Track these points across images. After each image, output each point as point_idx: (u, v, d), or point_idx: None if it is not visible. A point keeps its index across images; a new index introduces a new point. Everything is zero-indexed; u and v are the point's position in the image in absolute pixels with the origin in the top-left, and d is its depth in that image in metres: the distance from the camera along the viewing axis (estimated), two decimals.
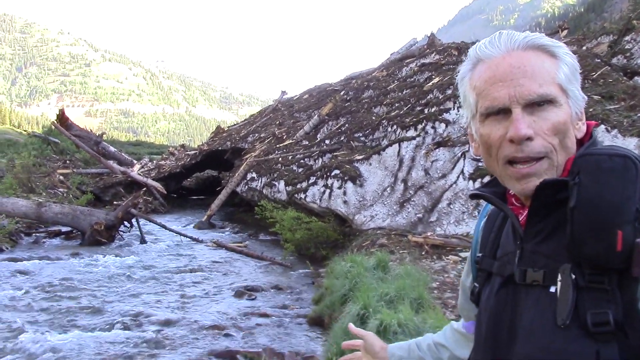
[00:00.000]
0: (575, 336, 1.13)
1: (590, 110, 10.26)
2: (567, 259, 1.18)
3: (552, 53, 1.27)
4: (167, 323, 7.75)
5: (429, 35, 21.59)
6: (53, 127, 25.04)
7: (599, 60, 14.39)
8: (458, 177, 11.00)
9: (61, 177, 19.99)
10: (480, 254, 1.49)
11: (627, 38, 17.07)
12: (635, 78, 13.73)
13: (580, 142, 1.30)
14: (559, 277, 1.18)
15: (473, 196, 1.44)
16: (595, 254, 1.12)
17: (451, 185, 10.94)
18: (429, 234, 9.83)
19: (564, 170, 1.26)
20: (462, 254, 8.82)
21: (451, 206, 10.62)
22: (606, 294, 1.13)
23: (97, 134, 27.51)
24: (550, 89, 1.23)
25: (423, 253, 9.06)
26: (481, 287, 1.45)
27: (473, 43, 18.75)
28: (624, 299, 1.12)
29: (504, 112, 1.25)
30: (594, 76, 12.95)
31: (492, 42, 1.30)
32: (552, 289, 1.20)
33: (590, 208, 1.13)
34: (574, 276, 1.16)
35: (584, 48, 17.09)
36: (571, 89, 1.27)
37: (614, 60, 15.76)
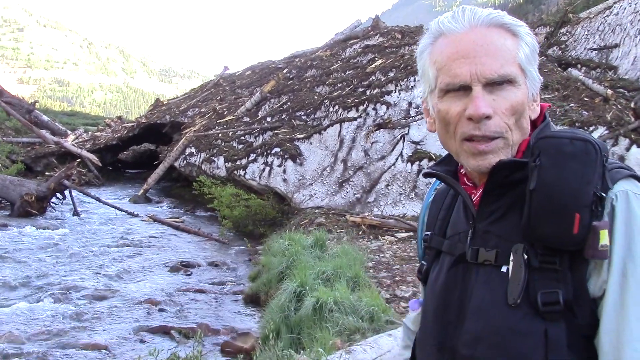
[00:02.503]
0: (524, 315, 1.16)
1: None
2: (520, 239, 1.20)
3: (513, 32, 1.26)
4: (99, 297, 7.62)
5: (373, 17, 21.64)
6: None
7: None
8: (397, 159, 11.16)
9: None
10: (428, 232, 1.48)
11: (563, 30, 17.61)
12: (569, 69, 14.20)
13: (533, 124, 1.30)
14: (511, 257, 1.20)
15: (426, 174, 1.42)
16: (552, 235, 1.14)
17: (390, 167, 11.09)
18: (366, 214, 9.95)
19: (518, 151, 1.27)
20: (398, 235, 8.98)
21: (389, 187, 10.77)
22: (557, 274, 1.15)
23: (30, 102, 26.49)
24: (511, 69, 1.23)
25: (360, 233, 9.17)
26: (429, 265, 1.45)
27: (416, 27, 18.96)
28: (575, 279, 1.15)
29: (464, 89, 1.24)
30: None
31: (455, 17, 1.27)
32: (504, 269, 1.21)
33: (549, 191, 1.14)
34: (526, 256, 1.18)
35: None
36: (530, 70, 1.27)
37: (550, 51, 16.25)
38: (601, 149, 1.16)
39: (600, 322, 1.13)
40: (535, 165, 1.17)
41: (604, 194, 1.14)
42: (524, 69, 1.25)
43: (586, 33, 16.38)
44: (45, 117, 25.66)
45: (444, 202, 1.48)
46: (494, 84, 1.22)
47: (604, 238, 1.10)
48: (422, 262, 1.50)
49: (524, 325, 1.16)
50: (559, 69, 14.26)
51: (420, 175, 10.55)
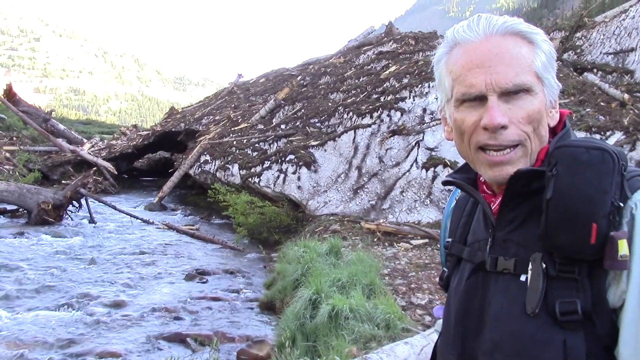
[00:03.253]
0: (543, 324, 1.15)
1: None
2: (539, 248, 1.19)
3: (530, 40, 1.25)
4: (116, 305, 7.64)
5: (386, 23, 21.65)
6: (0, 102, 24.23)
7: None
8: (411, 165, 11.12)
9: (7, 154, 19.37)
10: (449, 239, 1.48)
11: (578, 35, 17.49)
12: (585, 74, 14.10)
13: (552, 131, 1.30)
14: (530, 266, 1.19)
15: (445, 182, 1.42)
16: (569, 245, 1.13)
17: (404, 174, 11.05)
18: (381, 221, 9.92)
19: (537, 160, 1.26)
20: (414, 242, 8.93)
21: (404, 194, 10.73)
22: (576, 283, 1.15)
23: (46, 111, 26.76)
24: (526, 78, 1.22)
25: (375, 240, 9.14)
26: (451, 272, 1.45)
27: (430, 33, 18.94)
28: (593, 289, 1.14)
29: (479, 98, 1.23)
30: None
31: (470, 26, 1.27)
32: (523, 278, 1.20)
33: (566, 200, 1.13)
34: (544, 265, 1.17)
35: None
36: (547, 77, 1.26)
37: (565, 56, 16.14)
38: (619, 158, 1.15)
39: (620, 334, 1.12)
40: (552, 174, 1.16)
41: (622, 204, 1.12)
42: (540, 76, 1.24)
43: (602, 37, 16.26)
44: (61, 126, 25.89)
45: (465, 209, 1.49)
46: (509, 93, 1.22)
47: (622, 248, 1.09)
48: (444, 268, 1.50)
49: (542, 335, 1.15)
50: (575, 73, 14.16)
51: (435, 182, 10.51)
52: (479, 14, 1.30)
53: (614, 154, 1.15)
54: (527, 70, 1.23)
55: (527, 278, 1.19)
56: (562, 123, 1.32)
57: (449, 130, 1.37)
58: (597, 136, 9.95)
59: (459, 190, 1.52)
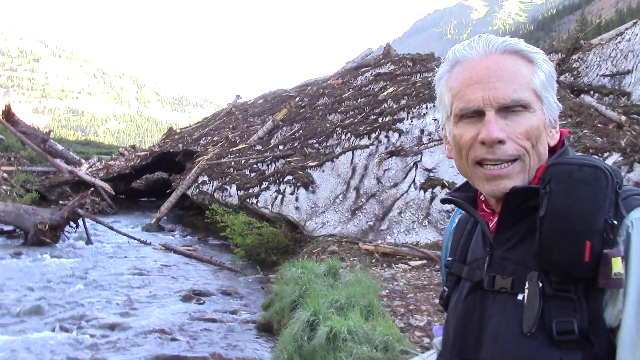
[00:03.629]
0: (540, 344, 1.14)
1: None
2: (536, 266, 1.19)
3: (529, 58, 1.27)
4: (112, 327, 7.58)
5: (384, 45, 21.80)
6: None
7: None
8: (409, 186, 11.13)
9: (5, 175, 19.38)
10: (450, 258, 1.48)
11: (575, 57, 17.62)
12: (582, 96, 14.17)
13: (552, 150, 1.30)
14: (527, 285, 1.19)
15: (444, 201, 1.43)
16: (563, 263, 1.13)
17: (402, 195, 11.05)
18: (379, 242, 9.90)
19: (535, 178, 1.26)
20: (412, 263, 8.90)
21: (402, 215, 10.72)
22: (572, 302, 1.14)
23: (44, 132, 26.75)
24: (524, 94, 1.23)
25: (373, 261, 9.11)
26: (450, 291, 1.45)
27: (428, 55, 19.06)
28: (590, 308, 1.13)
29: (477, 114, 1.25)
30: None
31: (470, 45, 1.29)
32: (520, 297, 1.20)
33: (559, 218, 1.13)
34: (541, 284, 1.17)
35: None
36: (546, 96, 1.27)
37: (562, 78, 16.24)
38: (613, 175, 1.15)
39: (617, 354, 1.11)
40: (545, 192, 1.16)
41: (615, 222, 1.12)
42: (539, 95, 1.26)
43: (598, 59, 16.38)
44: (59, 147, 25.89)
45: (465, 228, 1.49)
46: (507, 109, 1.23)
47: (616, 266, 1.09)
48: (445, 287, 1.50)
49: (539, 355, 1.14)
50: (572, 95, 14.24)
51: (434, 203, 10.51)
52: (480, 34, 1.32)
53: (607, 171, 1.15)
54: (525, 88, 1.24)
55: (524, 297, 1.19)
56: (561, 142, 1.33)
57: (449, 148, 1.38)
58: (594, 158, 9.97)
59: (461, 210, 1.52)
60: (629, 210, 1.14)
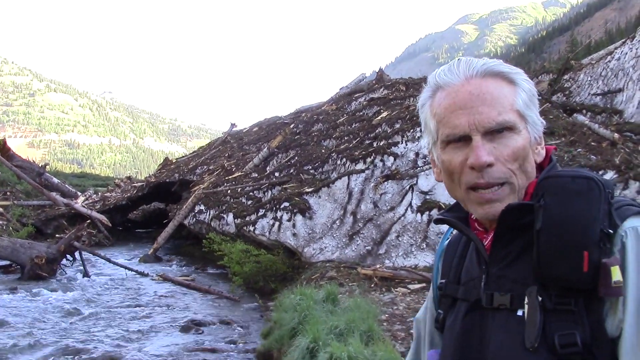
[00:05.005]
0: (544, 359, 1.14)
1: None
2: (534, 281, 1.19)
3: (510, 79, 1.28)
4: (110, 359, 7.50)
5: (377, 70, 21.97)
6: None
7: (540, 98, 14.86)
8: (406, 209, 11.12)
9: (1, 209, 19.31)
10: (443, 280, 1.48)
11: (566, 77, 17.78)
12: (575, 115, 14.26)
13: (540, 166, 1.31)
14: (526, 300, 1.19)
15: (437, 221, 1.43)
16: (562, 275, 1.14)
17: (399, 218, 11.04)
18: (377, 266, 9.86)
19: (526, 195, 1.27)
20: (411, 286, 8.86)
21: (400, 239, 10.70)
22: (573, 315, 1.14)
23: (40, 165, 26.76)
24: (509, 116, 1.24)
25: (372, 285, 9.06)
26: (445, 313, 1.44)
27: (420, 79, 19.19)
28: (591, 319, 1.13)
29: (464, 139, 1.26)
30: None
31: (451, 70, 1.30)
32: (520, 313, 1.20)
33: (556, 230, 1.14)
34: (540, 298, 1.17)
35: None
36: (529, 115, 1.28)
37: (554, 98, 16.36)
38: (605, 186, 1.16)
39: None
40: (540, 205, 1.17)
41: (611, 231, 1.13)
42: (523, 114, 1.27)
43: (589, 79, 16.52)
44: (55, 180, 25.87)
45: (457, 249, 1.48)
46: (493, 132, 1.24)
47: (615, 275, 1.09)
48: (439, 310, 1.48)
49: None
50: (564, 114, 14.32)
51: (431, 226, 10.49)
52: (459, 57, 1.33)
53: (599, 182, 1.16)
54: (509, 109, 1.25)
55: (524, 312, 1.19)
56: (549, 158, 1.34)
57: (437, 171, 1.39)
58: None
59: (451, 232, 1.53)
60: (622, 220, 1.15)
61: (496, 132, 1.24)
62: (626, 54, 15.33)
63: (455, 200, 1.40)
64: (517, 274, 1.24)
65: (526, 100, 1.28)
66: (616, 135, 11.62)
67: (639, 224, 1.15)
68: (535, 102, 1.31)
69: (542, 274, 1.17)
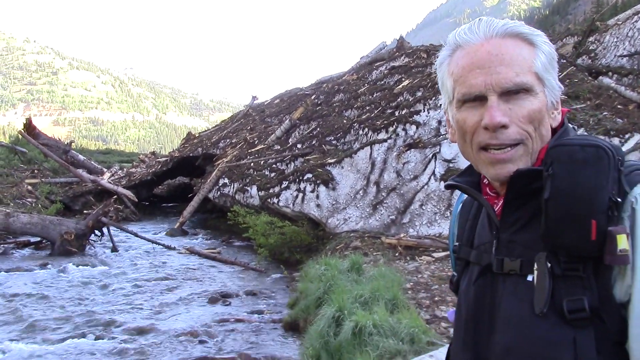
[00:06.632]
0: (552, 324, 1.15)
1: None
2: (543, 247, 1.19)
3: (530, 41, 1.27)
4: (140, 331, 7.66)
5: (398, 38, 21.72)
6: (20, 136, 24.59)
7: (564, 61, 14.61)
8: (429, 178, 11.08)
9: (29, 187, 19.63)
10: (457, 243, 1.49)
11: (591, 39, 17.39)
12: (600, 78, 13.99)
13: (555, 131, 1.30)
14: (535, 266, 1.19)
15: (448, 186, 1.44)
16: (571, 243, 1.14)
17: (423, 187, 11.01)
18: (402, 235, 9.87)
19: (537, 159, 1.26)
20: (435, 255, 8.87)
21: (423, 207, 10.68)
22: (581, 281, 1.15)
23: (66, 143, 27.08)
24: (526, 78, 1.23)
25: (396, 254, 9.09)
26: (460, 275, 1.46)
27: (441, 46, 18.88)
28: (599, 285, 1.14)
29: (480, 99, 1.25)
30: (561, 76, 13.11)
31: (471, 29, 1.29)
32: (530, 278, 1.21)
33: (564, 199, 1.14)
34: (549, 265, 1.17)
35: None
36: (547, 78, 1.27)
37: (579, 61, 16.04)
38: (614, 154, 1.15)
39: (629, 328, 1.12)
40: (549, 174, 1.17)
41: (619, 199, 1.13)
42: (541, 77, 1.25)
43: (615, 40, 16.14)
44: (81, 157, 26.20)
45: (470, 211, 1.49)
46: (510, 93, 1.23)
47: (621, 242, 1.09)
48: (454, 273, 1.51)
49: (552, 334, 1.15)
50: (590, 78, 14.06)
51: (454, 193, 10.45)
52: (480, 17, 1.32)
53: (609, 149, 1.15)
54: (527, 71, 1.24)
55: (533, 278, 1.19)
56: (562, 122, 1.32)
57: (452, 132, 1.39)
58: (616, 139, 9.85)
59: (464, 195, 1.53)
60: (632, 186, 1.15)
61: (513, 93, 1.23)
62: None
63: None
64: (527, 239, 1.24)
65: (545, 63, 1.26)
66: None
67: None
68: (554, 65, 1.29)
69: (550, 242, 1.17)
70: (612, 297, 1.13)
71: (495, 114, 1.22)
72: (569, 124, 1.33)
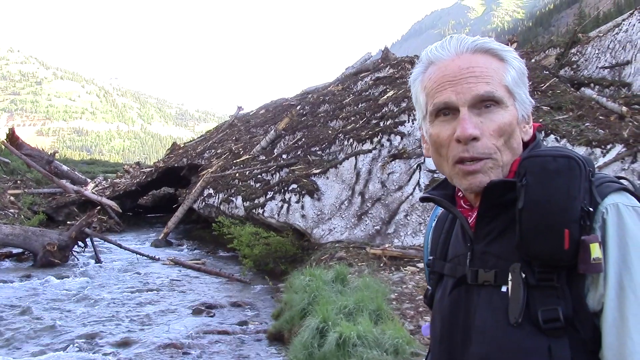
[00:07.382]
0: (527, 333, 1.16)
1: (540, 120, 10.50)
2: (517, 258, 1.21)
3: (500, 57, 1.31)
4: (123, 344, 7.59)
5: (383, 49, 21.82)
6: (3, 146, 24.41)
7: (547, 72, 14.77)
8: (414, 188, 11.12)
9: (12, 198, 19.45)
10: (431, 257, 1.51)
11: (573, 50, 17.58)
12: (582, 89, 14.14)
13: (527, 145, 1.33)
14: (510, 277, 1.21)
15: (423, 199, 1.46)
16: (544, 252, 1.15)
17: (407, 197, 11.05)
18: (386, 245, 9.89)
19: (510, 172, 1.28)
20: (420, 265, 8.89)
21: (408, 217, 10.71)
22: (555, 290, 1.17)
23: (49, 153, 26.85)
24: (497, 89, 1.26)
25: (381, 265, 9.10)
26: (434, 289, 1.47)
27: None
28: (573, 294, 1.16)
29: (452, 112, 1.28)
30: (543, 87, 13.27)
31: (442, 46, 1.33)
32: (504, 289, 1.22)
33: (537, 209, 1.16)
34: (524, 275, 1.19)
35: (533, 60, 17.53)
36: (518, 92, 1.30)
37: (562, 72, 16.21)
38: (585, 165, 1.18)
39: (602, 337, 1.14)
40: (522, 184, 1.19)
41: (591, 209, 1.16)
42: (511, 91, 1.29)
43: (597, 52, 16.33)
44: (65, 167, 25.99)
45: (444, 225, 1.51)
46: (481, 106, 1.26)
47: (595, 251, 1.12)
48: (428, 287, 1.52)
49: (527, 344, 1.16)
50: (572, 89, 14.20)
51: None
52: (452, 35, 1.35)
53: (580, 160, 1.18)
54: (497, 84, 1.27)
55: (508, 289, 1.21)
56: (533, 136, 1.35)
57: (427, 147, 1.41)
58: (598, 150, 9.96)
59: (439, 210, 1.55)
60: (603, 197, 1.18)
61: (484, 106, 1.26)
62: (634, 25, 15.14)
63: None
64: (501, 250, 1.26)
65: (515, 78, 1.30)
66: (624, 108, 11.53)
67: (619, 200, 1.18)
68: (525, 81, 1.33)
69: (524, 252, 1.19)
70: (586, 307, 1.15)
71: (467, 127, 1.24)
72: (541, 138, 1.36)
